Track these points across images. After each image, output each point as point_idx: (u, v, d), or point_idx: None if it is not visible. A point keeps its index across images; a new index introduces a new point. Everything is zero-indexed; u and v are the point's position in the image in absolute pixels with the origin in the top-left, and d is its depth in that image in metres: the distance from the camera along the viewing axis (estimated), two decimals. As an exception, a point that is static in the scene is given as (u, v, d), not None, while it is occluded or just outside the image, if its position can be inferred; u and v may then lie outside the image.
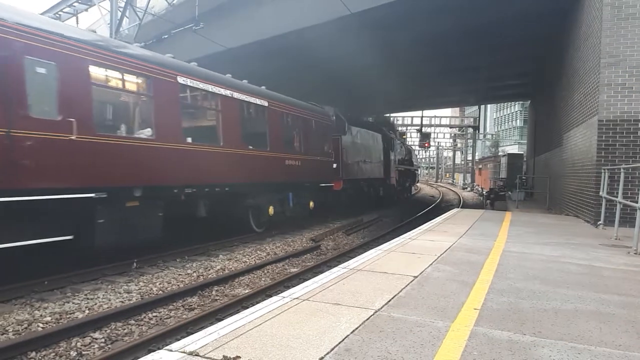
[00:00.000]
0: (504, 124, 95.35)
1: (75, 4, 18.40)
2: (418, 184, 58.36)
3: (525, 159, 34.53)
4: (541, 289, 4.97)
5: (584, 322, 3.91)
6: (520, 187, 21.27)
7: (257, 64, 19.65)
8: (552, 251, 7.48)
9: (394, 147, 26.91)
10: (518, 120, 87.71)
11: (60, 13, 18.23)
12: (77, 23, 18.78)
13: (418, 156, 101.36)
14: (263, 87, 13.63)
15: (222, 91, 11.28)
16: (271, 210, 13.41)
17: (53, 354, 4.86)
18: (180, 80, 9.95)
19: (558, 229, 10.59)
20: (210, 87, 10.89)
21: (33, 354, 4.81)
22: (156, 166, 9.10)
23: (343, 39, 18.58)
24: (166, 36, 15.81)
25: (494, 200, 22.03)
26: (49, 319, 5.80)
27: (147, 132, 9.12)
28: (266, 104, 13.07)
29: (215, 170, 10.81)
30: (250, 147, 12.28)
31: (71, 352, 4.92)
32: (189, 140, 10.17)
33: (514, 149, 63.50)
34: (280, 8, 17.32)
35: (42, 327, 5.52)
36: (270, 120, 13.32)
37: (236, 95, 11.77)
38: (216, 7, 17.93)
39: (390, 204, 25.60)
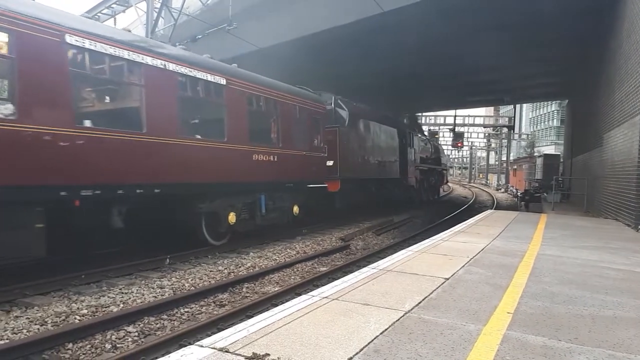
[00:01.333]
0: (540, 124, 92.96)
1: (113, 6, 18.89)
2: (450, 185, 57.56)
3: (562, 159, 33.71)
4: (578, 294, 4.82)
5: (624, 329, 3.77)
6: (556, 189, 20.72)
7: (288, 63, 19.73)
8: (589, 255, 7.25)
9: (413, 143, 23.70)
10: (555, 120, 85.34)
11: (99, 14, 18.76)
12: (115, 24, 19.27)
13: (450, 156, 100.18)
14: (235, 66, 11.57)
15: (149, 60, 8.47)
16: (232, 217, 10.69)
17: (89, 345, 5.01)
18: (70, 39, 7.17)
19: (596, 232, 10.25)
20: (127, 54, 8.06)
21: (70, 345, 4.96)
22: (23, 160, 6.51)
23: (374, 38, 18.50)
24: (200, 36, 16.04)
25: (529, 201, 21.55)
26: (85, 311, 5.97)
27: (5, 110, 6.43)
28: (223, 81, 10.21)
29: (134, 168, 8.22)
30: (198, 137, 9.78)
31: (106, 345, 5.06)
32: (87, 124, 7.54)
33: (550, 150, 61.83)
34: (312, 8, 17.35)
35: (79, 320, 5.69)
36: (231, 103, 10.47)
37: (172, 67, 8.98)
38: (249, 7, 18.09)
39: (408, 207, 22.39)
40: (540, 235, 9.43)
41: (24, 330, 5.23)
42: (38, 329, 5.33)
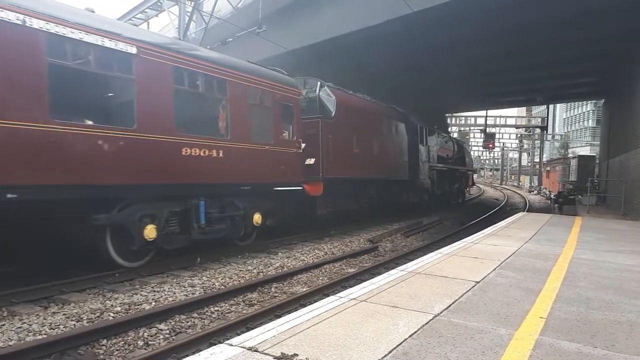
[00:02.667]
0: (574, 124, 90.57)
1: (147, 10, 19.35)
2: (480, 187, 56.61)
3: (597, 161, 32.82)
4: (614, 300, 4.68)
5: (663, 337, 3.64)
6: (591, 191, 20.15)
7: (317, 64, 19.80)
8: (626, 259, 7.02)
9: (427, 140, 20.64)
10: (590, 121, 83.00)
11: (133, 19, 19.24)
12: (148, 28, 19.74)
13: (480, 157, 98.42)
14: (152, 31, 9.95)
15: None
16: (151, 231, 8.11)
17: (122, 342, 5.13)
18: None
19: (634, 236, 9.93)
20: None
21: (104, 341, 5.10)
22: None
23: (403, 38, 18.38)
24: (230, 39, 16.28)
25: (563, 204, 21.04)
26: (119, 309, 6.13)
27: None
28: (132, 49, 7.73)
29: None
30: (89, 122, 7.44)
31: (138, 342, 5.17)
32: None
33: (585, 151, 60.15)
34: (341, 9, 17.37)
35: (113, 317, 5.83)
36: (144, 79, 7.95)
37: (38, 24, 6.47)
38: (278, 10, 18.26)
39: (420, 212, 19.74)
40: (574, 239, 9.19)
41: (61, 326, 5.40)
42: (74, 325, 5.49)
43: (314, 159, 12.52)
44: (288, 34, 18.98)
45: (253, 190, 10.32)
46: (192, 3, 15.11)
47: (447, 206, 24.05)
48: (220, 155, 9.34)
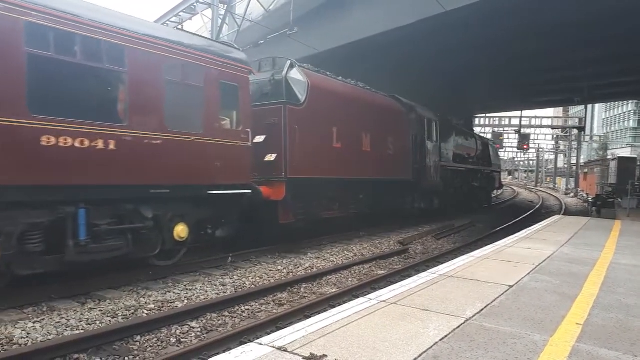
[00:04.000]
0: (614, 125, 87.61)
1: (181, 14, 19.72)
2: (514, 189, 55.39)
3: (639, 162, 31.67)
4: (656, 307, 4.50)
5: None
6: (632, 194, 19.45)
7: (347, 65, 19.78)
8: (670, 266, 6.75)
9: (437, 136, 17.59)
10: (631, 121, 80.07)
11: (167, 22, 19.65)
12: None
13: (515, 159, 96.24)
14: None
15: None
16: None
17: (155, 339, 5.24)
18: None
19: (678, 242, 9.52)
20: None
21: (138, 337, 5.22)
22: None
23: (436, 38, 18.17)
24: (262, 42, 16.44)
25: (601, 207, 20.36)
26: (152, 306, 6.26)
27: None
28: None
29: None
30: None
31: (171, 339, 5.28)
32: None
33: (625, 152, 58.09)
34: (372, 9, 17.30)
35: (147, 314, 5.97)
36: None
37: None
38: (309, 11, 18.32)
39: (428, 219, 17.42)
40: (613, 243, 8.90)
41: (97, 322, 5.56)
42: (110, 320, 5.65)
43: (275, 155, 10.04)
44: (319, 35, 19.02)
45: (173, 195, 7.78)
46: (225, 6, 15.33)
47: (469, 211, 21.47)
48: (112, 147, 6.83)
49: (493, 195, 32.49)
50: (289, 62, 11.08)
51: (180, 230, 8.02)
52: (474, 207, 23.35)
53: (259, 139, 9.99)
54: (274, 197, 10.10)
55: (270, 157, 10.13)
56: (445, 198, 19.09)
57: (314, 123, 11.04)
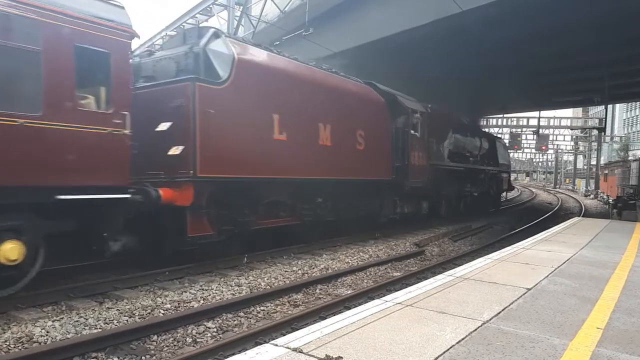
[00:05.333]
0: (635, 125, 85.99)
1: (197, 15, 19.91)
2: (533, 190, 54.68)
3: (661, 164, 30.96)
4: (680, 312, 4.39)
5: None
6: (654, 196, 19.04)
7: (365, 65, 19.74)
8: (694, 269, 6.59)
9: (425, 130, 14.99)
10: (653, 121, 78.64)
11: (184, 25, 19.85)
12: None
13: (533, 159, 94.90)
14: None
15: None
16: None
17: (171, 338, 5.28)
18: None
19: (702, 245, 9.30)
20: None
21: (155, 337, 5.26)
22: None
23: (452, 38, 18.04)
24: (278, 42, 16.51)
25: (622, 209, 20.01)
26: (168, 306, 6.31)
27: None
28: None
29: None
30: None
31: (187, 339, 5.31)
32: None
33: (647, 153, 56.93)
34: (388, 9, 17.24)
35: (163, 314, 6.02)
36: None
37: None
38: (325, 12, 18.32)
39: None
40: (635, 246, 8.72)
41: (114, 321, 5.62)
42: (127, 320, 5.70)
43: (181, 148, 7.69)
44: (335, 36, 19.01)
45: None
46: (241, 8, 15.43)
47: (471, 216, 19.13)
48: None
49: (506, 197, 30.20)
50: (212, 30, 8.93)
51: (8, 250, 5.75)
52: (478, 212, 20.70)
53: (163, 126, 7.78)
54: (180, 202, 7.74)
55: (175, 150, 7.75)
56: (438, 201, 16.94)
57: (242, 107, 8.54)
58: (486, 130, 40.21)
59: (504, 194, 28.95)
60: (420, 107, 15.06)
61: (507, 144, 37.42)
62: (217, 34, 8.83)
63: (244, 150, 8.63)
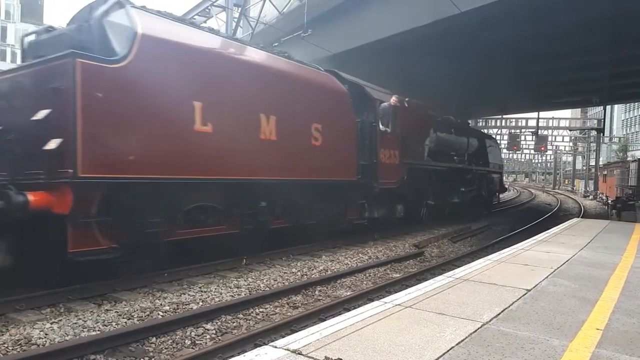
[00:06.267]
0: (634, 126, 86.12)
1: (195, 17, 19.92)
2: (532, 191, 54.70)
3: (660, 164, 31.04)
4: (680, 313, 4.39)
5: None
6: (653, 196, 19.07)
7: (363, 67, 19.76)
8: (693, 270, 6.59)
9: (394, 124, 13.15)
10: (652, 122, 78.75)
11: (183, 26, 19.86)
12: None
13: (533, 160, 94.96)
14: None
15: None
16: None
17: (170, 340, 5.27)
18: None
19: (701, 245, 9.30)
20: None
21: (154, 339, 5.24)
22: None
23: (451, 39, 18.06)
24: (276, 44, 16.53)
25: (621, 210, 20.06)
26: (167, 308, 6.29)
27: None
28: None
29: None
30: None
31: (186, 341, 5.29)
32: None
33: (646, 154, 57.00)
34: (386, 11, 17.27)
35: (162, 315, 6.00)
36: None
37: None
38: (323, 13, 18.35)
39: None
40: (634, 247, 8.72)
41: (113, 323, 5.60)
42: (125, 322, 5.69)
43: (58, 141, 6.13)
44: (334, 37, 19.04)
45: None
46: (239, 9, 15.43)
47: (456, 220, 17.89)
48: None
49: (498, 200, 28.03)
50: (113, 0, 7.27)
51: None
52: (466, 215, 19.35)
53: (40, 114, 6.25)
54: (57, 209, 6.19)
55: (51, 145, 6.13)
56: (416, 204, 15.58)
57: (148, 92, 6.94)
58: (485, 130, 40.23)
59: (497, 195, 27.15)
60: (393, 99, 13.28)
61: (499, 143, 36.70)
62: (121, 4, 7.24)
63: (152, 144, 6.93)
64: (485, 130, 42.14)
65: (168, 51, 7.35)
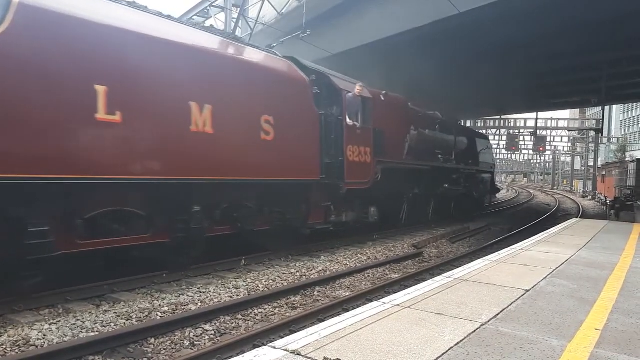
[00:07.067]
0: (632, 127, 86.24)
1: (194, 17, 19.92)
2: (530, 192, 54.73)
3: (658, 165, 31.12)
4: (678, 313, 4.39)
5: None
6: (652, 197, 19.11)
7: (363, 67, 19.77)
8: (692, 270, 6.59)
9: (365, 118, 11.72)
10: (650, 122, 78.89)
11: (182, 27, 19.85)
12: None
13: (531, 161, 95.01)
14: None
15: None
16: None
17: (169, 341, 5.26)
18: None
19: (700, 245, 9.31)
20: None
21: (152, 340, 5.24)
22: None
23: (450, 40, 18.09)
24: (275, 44, 16.51)
25: (620, 210, 20.06)
26: (166, 309, 6.29)
27: None
28: None
29: None
30: None
31: (185, 342, 5.29)
32: None
33: (644, 154, 57.10)
34: (385, 11, 17.27)
35: (161, 316, 5.99)
36: None
37: None
38: (322, 14, 18.35)
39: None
40: (633, 247, 8.73)
41: (112, 324, 5.59)
42: (124, 323, 5.68)
43: None
44: (333, 37, 19.05)
45: None
46: (238, 9, 15.43)
47: (441, 222, 17.14)
48: None
49: (490, 202, 26.09)
50: None
51: None
52: (454, 216, 18.65)
53: None
54: None
55: None
56: (395, 206, 14.55)
57: (30, 72, 5.71)
58: (483, 131, 40.23)
59: (489, 196, 25.35)
60: (357, 89, 11.60)
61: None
62: None
63: (34, 135, 5.64)
64: (484, 131, 42.20)
65: (59, 26, 6.10)
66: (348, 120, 11.21)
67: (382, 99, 12.96)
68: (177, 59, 7.38)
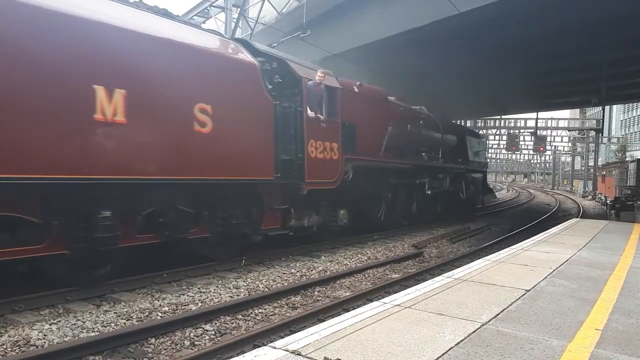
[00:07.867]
0: (633, 126, 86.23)
1: (195, 17, 19.93)
2: (530, 191, 54.71)
3: (659, 165, 31.08)
4: (678, 313, 4.39)
5: None
6: (652, 197, 19.11)
7: (361, 67, 19.77)
8: (692, 270, 6.59)
9: (331, 110, 10.42)
10: (650, 122, 78.88)
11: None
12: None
13: (532, 161, 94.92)
14: None
15: None
16: None
17: (169, 341, 5.26)
18: None
19: (700, 245, 9.31)
20: None
21: (153, 340, 5.24)
22: None
23: (450, 40, 18.08)
24: (275, 44, 16.52)
25: (620, 210, 20.05)
26: (166, 309, 6.29)
27: None
28: None
29: None
30: None
31: (185, 342, 5.29)
32: None
33: (645, 154, 57.08)
34: (385, 11, 17.28)
35: (161, 316, 5.99)
36: None
37: None
38: (322, 14, 18.36)
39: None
40: (633, 247, 8.73)
41: (112, 324, 5.59)
42: (124, 323, 5.68)
43: None
44: (333, 37, 19.06)
45: None
46: (238, 10, 15.44)
47: (424, 226, 15.97)
48: None
49: (482, 204, 24.20)
50: None
51: None
52: (440, 218, 17.50)
53: None
54: None
55: None
56: (371, 206, 13.35)
57: None
58: (483, 131, 40.19)
59: (480, 197, 23.59)
60: (327, 79, 10.33)
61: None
62: None
63: None
64: (484, 131, 42.19)
65: None
66: (309, 111, 9.79)
67: (356, 90, 11.87)
68: (74, 33, 5.97)
